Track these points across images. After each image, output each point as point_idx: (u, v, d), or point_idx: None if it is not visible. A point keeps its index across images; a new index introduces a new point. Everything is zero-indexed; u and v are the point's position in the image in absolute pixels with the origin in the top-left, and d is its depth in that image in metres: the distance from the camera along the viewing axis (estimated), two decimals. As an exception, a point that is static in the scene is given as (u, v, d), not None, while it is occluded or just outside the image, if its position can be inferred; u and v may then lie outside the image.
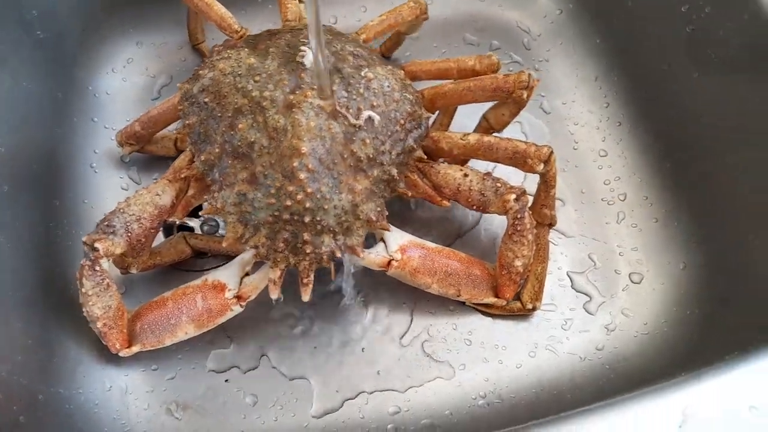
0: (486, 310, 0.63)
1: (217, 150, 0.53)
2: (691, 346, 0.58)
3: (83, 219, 0.67)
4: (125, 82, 0.78)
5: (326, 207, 0.51)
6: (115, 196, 0.70)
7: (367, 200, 0.53)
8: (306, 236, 0.51)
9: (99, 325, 0.55)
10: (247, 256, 0.57)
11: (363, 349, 0.63)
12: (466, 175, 0.59)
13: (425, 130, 0.59)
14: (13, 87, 0.61)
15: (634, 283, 0.66)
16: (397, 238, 0.59)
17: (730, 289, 0.58)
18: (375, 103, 0.54)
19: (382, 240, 0.59)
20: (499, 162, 0.60)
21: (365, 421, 0.59)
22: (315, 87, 0.52)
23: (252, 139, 0.52)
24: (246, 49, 0.57)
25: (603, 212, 0.70)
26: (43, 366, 0.54)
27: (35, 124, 0.65)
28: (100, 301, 0.54)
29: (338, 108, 0.52)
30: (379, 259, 0.58)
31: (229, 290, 0.57)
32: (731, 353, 0.39)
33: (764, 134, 0.55)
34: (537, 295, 0.63)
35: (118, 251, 0.53)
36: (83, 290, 0.53)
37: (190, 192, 0.57)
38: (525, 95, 0.60)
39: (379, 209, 0.55)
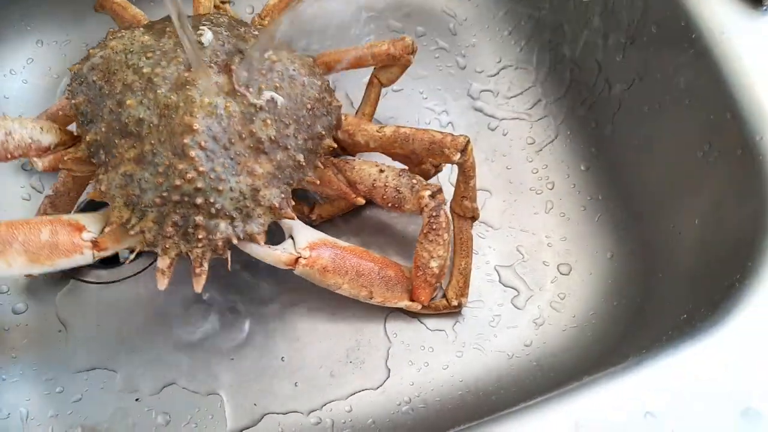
0: (410, 310, 0.61)
1: (103, 129, 0.49)
2: (617, 340, 0.56)
3: (-22, 234, 0.62)
4: (26, 84, 0.74)
5: (221, 188, 0.47)
6: (14, 205, 0.66)
7: (269, 185, 0.50)
8: (198, 219, 0.47)
9: None
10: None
11: (282, 358, 0.60)
12: (381, 171, 0.57)
13: (336, 119, 0.56)
14: None
15: (563, 274, 0.64)
16: (307, 235, 0.56)
17: (654, 279, 0.56)
18: (278, 85, 0.51)
19: (291, 237, 0.56)
20: (416, 153, 0.58)
21: (284, 435, 0.56)
22: (212, 65, 0.49)
23: (141, 116, 0.48)
24: (141, 29, 0.53)
25: (531, 202, 0.68)
26: None
27: None
28: None
29: (237, 87, 0.48)
30: (285, 256, 0.54)
31: (88, 232, 0.50)
32: (627, 359, 0.37)
33: (677, 114, 0.53)
34: (462, 291, 0.61)
35: None
36: None
37: (73, 151, 0.53)
38: (412, 59, 0.62)
39: (283, 196, 0.51)
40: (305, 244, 0.55)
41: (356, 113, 0.67)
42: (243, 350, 0.60)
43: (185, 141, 0.46)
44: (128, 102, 0.48)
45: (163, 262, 0.49)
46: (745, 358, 0.37)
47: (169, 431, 0.56)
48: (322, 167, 0.56)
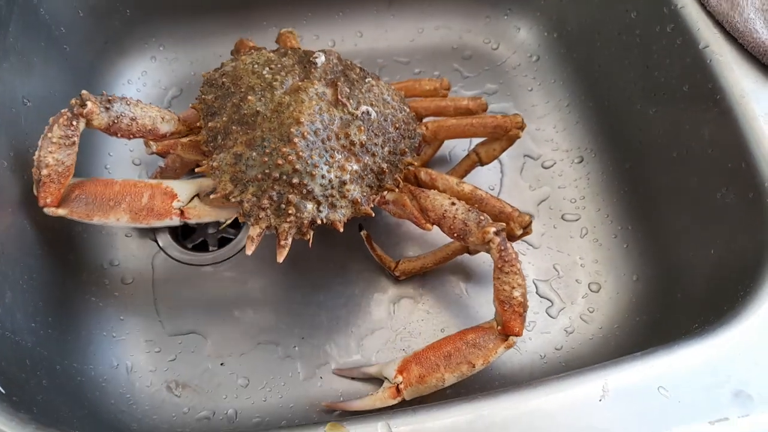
0: (370, 247, 0.70)
1: (224, 119, 0.59)
2: (638, 349, 0.65)
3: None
4: (139, 93, 0.86)
5: (314, 173, 0.55)
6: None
7: (354, 182, 0.58)
8: (291, 197, 0.55)
9: (43, 173, 0.55)
10: (206, 182, 0.60)
11: (342, 356, 0.69)
12: (453, 204, 0.61)
13: (418, 142, 0.65)
14: (45, 94, 0.68)
15: (593, 291, 0.73)
16: (390, 367, 0.60)
17: (672, 299, 0.65)
18: (373, 103, 0.61)
19: (384, 378, 0.60)
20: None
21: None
22: (321, 80, 0.59)
23: (258, 109, 0.57)
24: (267, 50, 0.65)
25: (568, 227, 0.77)
26: (60, 341, 0.61)
27: (60, 128, 0.72)
28: (58, 153, 0.55)
29: (340, 97, 0.58)
30: (387, 392, 0.58)
31: (178, 201, 0.59)
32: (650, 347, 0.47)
33: (701, 161, 0.63)
34: (409, 273, 0.71)
35: (95, 123, 0.56)
36: (49, 135, 0.54)
37: (184, 140, 0.61)
38: (520, 134, 0.69)
39: (365, 195, 0.59)
40: (393, 373, 0.58)
41: (419, 154, 0.75)
42: (312, 329, 0.70)
43: (291, 130, 0.55)
44: (249, 98, 0.58)
45: (254, 231, 0.55)
46: (741, 355, 0.46)
47: (248, 392, 0.66)
48: (399, 189, 0.62)
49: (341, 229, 0.58)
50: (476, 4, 0.92)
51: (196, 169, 0.60)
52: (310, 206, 0.56)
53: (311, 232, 0.57)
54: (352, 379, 0.67)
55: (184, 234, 0.77)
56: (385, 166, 0.60)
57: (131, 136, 0.59)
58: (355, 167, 0.58)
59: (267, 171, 0.55)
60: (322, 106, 0.58)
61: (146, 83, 0.87)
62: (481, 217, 0.59)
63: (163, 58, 0.88)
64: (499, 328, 0.59)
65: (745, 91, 0.60)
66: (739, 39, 0.62)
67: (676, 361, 0.46)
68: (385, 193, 0.62)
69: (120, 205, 0.57)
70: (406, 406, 0.46)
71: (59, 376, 0.58)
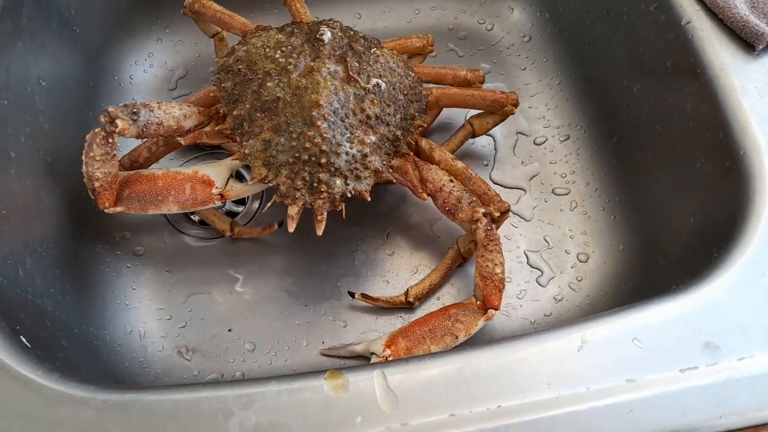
0: (373, 303, 0.72)
1: (248, 106, 0.62)
2: (622, 313, 0.69)
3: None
4: (146, 74, 0.89)
5: (339, 151, 0.60)
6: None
7: (374, 153, 0.62)
8: (321, 176, 0.60)
9: (96, 185, 0.61)
10: (235, 162, 0.65)
11: (345, 324, 0.73)
12: (451, 181, 0.66)
13: (425, 104, 0.69)
14: (56, 76, 0.71)
15: (581, 261, 0.76)
16: (377, 343, 0.64)
17: (655, 266, 0.69)
18: (382, 74, 0.65)
19: (372, 353, 0.65)
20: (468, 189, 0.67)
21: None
22: (331, 57, 0.63)
23: (278, 95, 0.61)
24: (274, 30, 0.68)
25: (558, 201, 0.81)
26: (77, 307, 0.65)
27: (71, 107, 0.75)
28: (104, 167, 0.61)
29: (351, 74, 0.62)
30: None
31: (216, 188, 0.65)
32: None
33: (683, 133, 0.66)
34: (421, 297, 0.71)
35: (128, 135, 0.61)
36: (92, 154, 0.60)
37: (207, 128, 0.66)
38: (514, 110, 0.74)
39: (384, 163, 0.64)
40: (382, 347, 0.63)
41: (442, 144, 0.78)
42: (314, 298, 0.73)
43: (313, 113, 0.59)
44: (268, 84, 0.62)
45: (292, 210, 0.61)
46: (712, 310, 0.50)
47: (255, 356, 0.70)
48: (405, 165, 0.66)
49: (368, 198, 0.63)
50: (471, -15, 0.94)
51: (231, 158, 0.65)
52: (338, 181, 0.61)
53: (343, 204, 0.62)
54: (339, 357, 0.70)
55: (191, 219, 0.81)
56: (399, 133, 0.65)
57: (159, 138, 0.65)
58: (373, 139, 0.62)
59: (297, 155, 0.60)
60: (336, 85, 0.61)
61: (153, 64, 0.90)
62: (474, 198, 0.65)
63: (168, 40, 0.91)
64: (478, 303, 0.64)
65: (724, 64, 0.62)
66: (719, 14, 0.65)
67: (650, 315, 0.50)
68: (391, 161, 0.66)
69: (168, 198, 0.65)
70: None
71: (77, 338, 0.62)
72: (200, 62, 0.90)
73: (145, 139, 0.68)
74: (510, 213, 0.68)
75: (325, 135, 0.59)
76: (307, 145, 0.59)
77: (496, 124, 0.78)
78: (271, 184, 0.61)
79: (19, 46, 0.64)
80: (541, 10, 0.92)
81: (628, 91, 0.76)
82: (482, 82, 0.78)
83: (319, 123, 0.59)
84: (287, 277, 0.75)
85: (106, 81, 0.85)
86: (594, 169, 0.81)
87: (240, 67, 0.65)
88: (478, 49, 0.93)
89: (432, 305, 0.73)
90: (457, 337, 0.63)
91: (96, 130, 0.60)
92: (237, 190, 0.66)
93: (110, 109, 0.59)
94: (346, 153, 0.61)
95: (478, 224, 0.63)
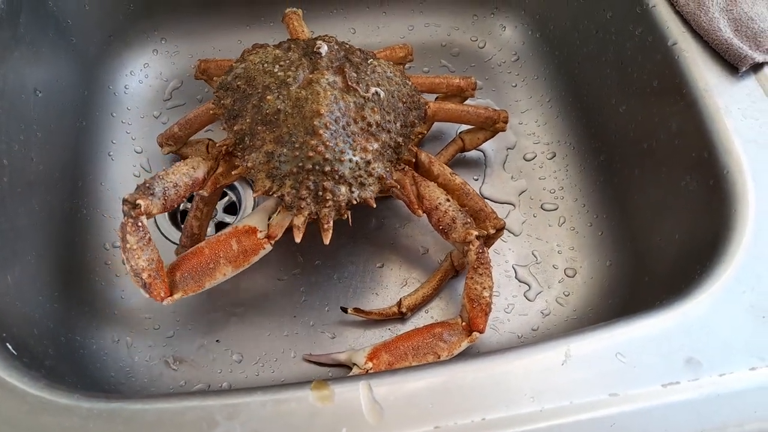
0: (366, 317, 0.72)
1: (248, 120, 0.62)
2: (608, 328, 0.69)
3: (100, 199, 0.78)
4: (141, 84, 0.90)
5: (342, 159, 0.60)
6: (128, 180, 0.81)
7: (377, 160, 0.62)
8: (326, 184, 0.60)
9: (144, 276, 0.57)
10: (269, 203, 0.64)
11: (334, 336, 0.73)
12: (448, 200, 0.66)
13: (423, 112, 0.70)
14: (51, 84, 0.72)
15: (569, 276, 0.77)
16: (360, 354, 0.65)
17: (641, 283, 0.69)
18: (380, 83, 0.66)
19: (354, 364, 0.65)
20: (463, 207, 0.68)
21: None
22: (329, 69, 0.63)
23: (279, 107, 0.61)
24: (271, 47, 0.69)
25: (547, 216, 0.81)
26: (65, 315, 0.65)
27: (65, 116, 0.76)
28: (144, 254, 0.58)
29: (350, 83, 0.63)
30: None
31: (260, 231, 0.63)
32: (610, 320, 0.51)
33: (669, 152, 0.67)
34: (413, 308, 0.72)
35: (155, 211, 0.59)
36: (128, 245, 0.57)
37: (219, 170, 0.65)
38: (505, 128, 0.77)
39: (388, 170, 0.64)
40: (364, 359, 0.63)
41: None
42: (303, 309, 0.74)
43: (315, 123, 0.59)
44: (268, 98, 0.62)
45: (298, 220, 0.60)
46: (694, 326, 0.50)
47: (242, 367, 0.70)
48: (404, 171, 0.66)
49: (374, 205, 0.63)
50: (464, 2, 0.96)
51: (233, 172, 0.64)
52: (343, 189, 0.61)
53: (348, 212, 0.62)
54: (321, 365, 0.70)
55: (183, 220, 0.81)
56: (400, 140, 0.65)
57: (184, 199, 0.63)
58: (376, 146, 0.63)
59: (300, 164, 0.60)
60: (336, 95, 0.62)
61: (148, 75, 0.91)
62: (468, 220, 0.65)
63: (164, 51, 0.92)
64: (463, 324, 0.64)
65: (709, 85, 0.64)
66: (705, 37, 0.66)
67: (634, 331, 0.50)
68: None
69: (219, 263, 0.62)
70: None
71: (64, 347, 0.62)
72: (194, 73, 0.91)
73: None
74: (504, 227, 0.69)
75: (327, 143, 0.60)
76: (311, 154, 0.59)
77: (486, 140, 0.80)
78: (273, 195, 0.61)
79: (16, 55, 0.65)
80: (533, 29, 0.93)
81: (616, 109, 0.77)
82: (474, 89, 0.80)
83: (321, 131, 0.59)
84: (276, 288, 0.75)
85: (101, 90, 0.86)
86: (582, 186, 0.82)
87: (239, 83, 0.65)
88: (470, 66, 0.94)
89: (421, 318, 0.74)
90: (439, 356, 0.62)
91: (123, 221, 0.58)
92: (279, 223, 0.63)
93: (126, 197, 0.58)
94: (350, 160, 0.61)
95: (470, 246, 0.63)
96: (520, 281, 0.77)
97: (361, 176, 0.62)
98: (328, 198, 0.60)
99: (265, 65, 0.65)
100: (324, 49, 0.65)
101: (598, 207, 0.80)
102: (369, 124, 0.63)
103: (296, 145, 0.60)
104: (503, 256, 0.78)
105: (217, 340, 0.72)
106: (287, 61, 0.65)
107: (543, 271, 0.78)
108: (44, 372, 0.49)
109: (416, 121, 0.68)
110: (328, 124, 0.60)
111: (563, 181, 0.83)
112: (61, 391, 0.47)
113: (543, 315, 0.75)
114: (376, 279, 0.76)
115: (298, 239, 0.60)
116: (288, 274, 0.76)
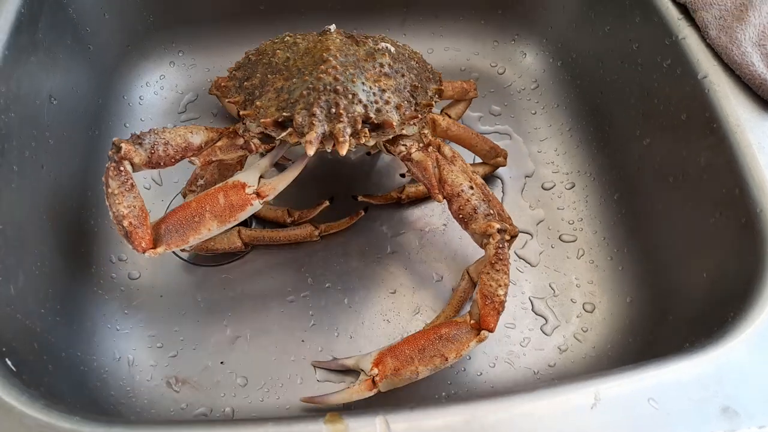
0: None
1: (259, 75, 0.63)
2: (628, 367, 0.67)
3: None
4: (156, 96, 0.88)
5: (355, 80, 0.59)
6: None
7: (393, 93, 0.61)
8: (340, 102, 0.57)
9: (125, 224, 0.56)
10: (264, 161, 0.63)
11: (350, 337, 0.71)
12: (471, 188, 0.62)
13: (439, 83, 0.71)
14: (66, 92, 0.70)
15: (587, 311, 0.75)
16: (366, 359, 0.62)
17: (665, 321, 0.67)
18: (390, 47, 0.66)
19: (361, 370, 0.63)
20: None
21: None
22: (340, 35, 0.65)
23: (288, 56, 0.62)
24: (285, 33, 0.69)
25: (565, 248, 0.79)
26: (67, 329, 0.62)
27: (78, 124, 0.75)
28: (126, 200, 0.56)
29: (359, 38, 0.64)
30: (363, 384, 0.60)
31: (249, 187, 0.60)
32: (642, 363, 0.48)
33: (696, 187, 0.65)
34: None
35: (137, 160, 0.57)
36: (109, 190, 0.56)
37: (219, 143, 0.63)
38: (505, 162, 0.80)
39: (406, 103, 0.61)
40: (370, 365, 0.60)
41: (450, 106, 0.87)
42: (312, 334, 0.71)
43: (324, 55, 0.60)
44: (278, 53, 0.63)
45: (310, 136, 0.56)
46: (730, 373, 0.48)
47: (246, 391, 0.67)
48: (425, 161, 0.64)
49: (396, 129, 0.60)
50: (485, 28, 0.95)
51: (241, 112, 0.62)
52: (359, 107, 0.59)
53: (367, 133, 0.59)
54: (330, 371, 0.68)
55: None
56: (417, 83, 0.65)
57: (173, 161, 0.61)
58: (391, 84, 0.62)
59: (311, 86, 0.58)
60: (346, 42, 0.63)
61: (163, 86, 0.89)
62: (491, 211, 0.61)
63: (181, 63, 0.91)
64: (472, 322, 0.60)
65: (741, 120, 0.62)
66: (737, 71, 0.65)
67: (666, 374, 0.48)
68: (413, 151, 0.64)
69: (204, 216, 0.59)
70: (405, 404, 0.47)
71: (63, 362, 0.59)
72: (211, 87, 0.90)
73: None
74: (518, 235, 0.70)
75: (338, 67, 0.59)
76: (321, 75, 0.58)
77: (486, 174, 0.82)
78: (283, 119, 0.58)
79: (33, 60, 0.64)
80: (554, 56, 0.92)
81: (640, 141, 0.75)
82: (476, 89, 0.82)
83: (331, 59, 0.59)
84: (285, 309, 0.72)
85: (116, 100, 0.85)
86: (602, 218, 0.80)
87: (251, 56, 0.67)
88: (489, 92, 0.93)
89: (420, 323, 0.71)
90: (447, 359, 0.59)
91: (107, 166, 0.57)
92: (273, 183, 0.61)
93: (115, 139, 0.58)
94: (363, 83, 0.59)
95: (491, 239, 0.59)
96: (536, 314, 0.74)
97: (377, 102, 0.60)
98: (341, 114, 0.57)
99: (276, 43, 0.67)
100: (333, 26, 0.66)
101: (618, 240, 0.78)
102: (381, 65, 0.63)
103: (305, 72, 0.59)
104: (519, 287, 0.76)
105: (221, 362, 0.69)
106: (299, 37, 0.67)
107: (560, 305, 0.75)
108: (43, 390, 0.47)
109: (431, 75, 0.68)
110: (337, 55, 0.60)
111: (582, 212, 0.81)
112: (60, 412, 0.44)
113: (560, 351, 0.72)
114: (388, 305, 0.74)
115: (310, 152, 0.56)
116: (297, 296, 0.74)
